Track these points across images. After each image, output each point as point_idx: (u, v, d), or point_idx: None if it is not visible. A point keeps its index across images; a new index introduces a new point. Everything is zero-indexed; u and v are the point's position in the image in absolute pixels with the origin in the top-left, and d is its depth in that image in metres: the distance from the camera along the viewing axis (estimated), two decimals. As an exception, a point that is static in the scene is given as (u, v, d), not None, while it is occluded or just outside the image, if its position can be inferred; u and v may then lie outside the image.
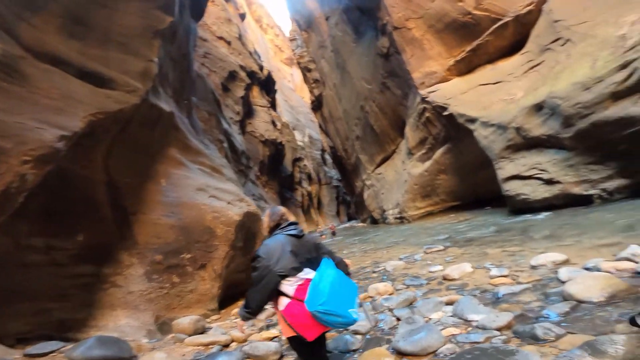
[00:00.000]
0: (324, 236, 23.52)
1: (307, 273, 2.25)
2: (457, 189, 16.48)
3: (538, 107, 10.25)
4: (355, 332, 3.84)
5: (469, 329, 3.26)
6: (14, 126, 3.88)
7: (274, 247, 2.28)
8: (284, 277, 2.22)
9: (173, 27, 9.00)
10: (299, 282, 2.21)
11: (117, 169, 6.11)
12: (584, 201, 9.30)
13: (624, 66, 8.03)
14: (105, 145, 5.95)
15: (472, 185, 15.67)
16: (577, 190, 9.43)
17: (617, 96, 8.14)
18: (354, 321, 2.05)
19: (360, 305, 2.44)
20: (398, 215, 20.52)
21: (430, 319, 3.78)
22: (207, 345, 4.40)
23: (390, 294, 5.45)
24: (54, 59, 5.48)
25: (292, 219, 2.57)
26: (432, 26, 15.62)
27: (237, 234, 7.00)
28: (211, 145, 13.09)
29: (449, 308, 3.88)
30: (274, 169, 38.28)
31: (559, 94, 9.45)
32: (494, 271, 5.03)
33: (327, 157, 65.80)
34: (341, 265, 2.50)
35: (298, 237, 2.39)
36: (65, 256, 4.70)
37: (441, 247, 8.50)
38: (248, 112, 33.74)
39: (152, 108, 7.23)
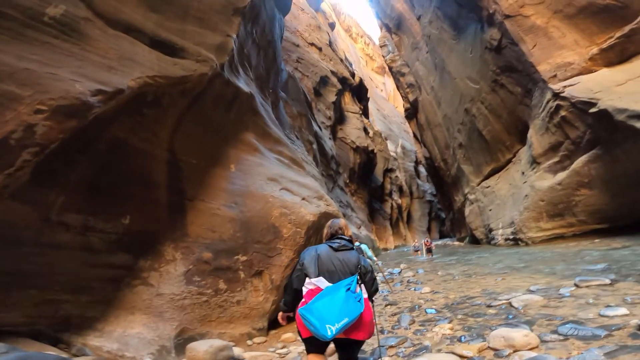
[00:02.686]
0: (418, 252, 20.76)
1: (319, 281, 2.45)
2: (606, 208, 12.68)
3: None
4: None
5: None
6: (43, 76, 3.20)
7: (312, 252, 2.61)
8: (303, 279, 2.52)
9: (254, 9, 8.52)
10: (311, 287, 2.46)
11: (184, 147, 5.42)
12: None
13: None
14: (172, 120, 5.33)
15: (630, 203, 11.85)
16: None
17: None
18: (323, 336, 2.20)
19: None
20: (511, 237, 16.92)
21: None
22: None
23: (533, 348, 3.43)
24: (128, 27, 5.04)
25: (349, 233, 2.78)
26: (560, 11, 13.82)
27: (308, 238, 5.64)
28: (297, 141, 12.32)
29: None
30: (364, 178, 36.79)
31: None
32: None
33: (421, 169, 61.83)
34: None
35: (335, 249, 2.59)
36: (103, 241, 3.96)
37: (606, 281, 5.78)
38: (339, 117, 33.16)
39: (227, 85, 6.53)
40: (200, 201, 5.13)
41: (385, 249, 34.23)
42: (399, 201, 48.94)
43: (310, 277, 2.46)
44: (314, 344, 2.51)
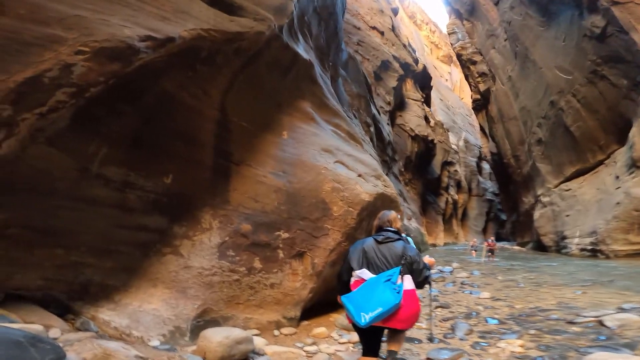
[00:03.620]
0: (474, 252, 19.02)
1: (363, 273, 2.63)
2: None
3: None
4: None
5: None
6: (93, 21, 2.95)
7: (358, 246, 2.82)
8: (350, 271, 2.74)
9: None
10: (356, 279, 2.66)
11: (235, 109, 5.12)
12: None
13: None
14: (225, 79, 5.05)
15: None
16: None
17: None
18: (357, 323, 2.46)
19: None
20: (589, 247, 14.88)
21: None
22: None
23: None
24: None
25: (397, 225, 2.90)
26: (683, -1, 11.99)
27: (360, 221, 5.03)
28: (355, 120, 11.64)
29: None
30: (421, 169, 34.99)
31: None
32: None
33: (485, 165, 57.47)
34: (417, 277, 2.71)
35: (379, 242, 2.74)
36: (140, 199, 3.71)
37: None
38: (400, 104, 31.57)
39: (285, 50, 6.08)
40: (246, 166, 4.75)
41: (434, 245, 32.49)
42: (456, 197, 46.08)
43: (354, 270, 2.68)
44: (360, 334, 2.73)
